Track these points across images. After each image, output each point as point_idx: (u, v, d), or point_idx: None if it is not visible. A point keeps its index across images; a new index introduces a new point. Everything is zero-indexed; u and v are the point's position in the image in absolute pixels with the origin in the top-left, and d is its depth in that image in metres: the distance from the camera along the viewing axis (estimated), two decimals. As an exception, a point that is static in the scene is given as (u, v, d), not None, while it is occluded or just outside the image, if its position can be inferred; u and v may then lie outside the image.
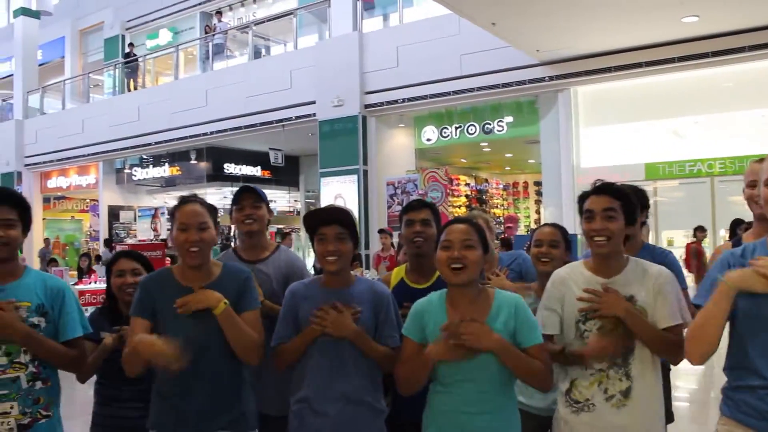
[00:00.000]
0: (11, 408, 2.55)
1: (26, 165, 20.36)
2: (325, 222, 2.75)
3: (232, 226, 17.86)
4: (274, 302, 3.05)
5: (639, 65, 9.96)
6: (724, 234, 9.22)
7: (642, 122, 10.55)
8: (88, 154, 18.52)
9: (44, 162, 19.94)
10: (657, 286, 2.54)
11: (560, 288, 2.67)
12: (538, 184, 15.94)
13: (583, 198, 2.69)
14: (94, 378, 3.30)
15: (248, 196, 3.35)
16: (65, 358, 2.65)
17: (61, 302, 2.67)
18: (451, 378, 2.49)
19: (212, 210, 2.79)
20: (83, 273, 13.30)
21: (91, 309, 6.30)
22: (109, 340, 3.07)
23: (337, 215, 2.78)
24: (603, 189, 2.63)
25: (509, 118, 12.11)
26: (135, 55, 19.52)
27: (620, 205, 2.59)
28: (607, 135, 10.92)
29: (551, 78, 10.83)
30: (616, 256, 2.62)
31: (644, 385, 2.55)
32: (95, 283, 10.67)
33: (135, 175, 18.57)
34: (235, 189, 3.50)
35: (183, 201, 2.75)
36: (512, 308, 2.49)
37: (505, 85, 11.23)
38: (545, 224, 3.47)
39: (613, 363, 2.54)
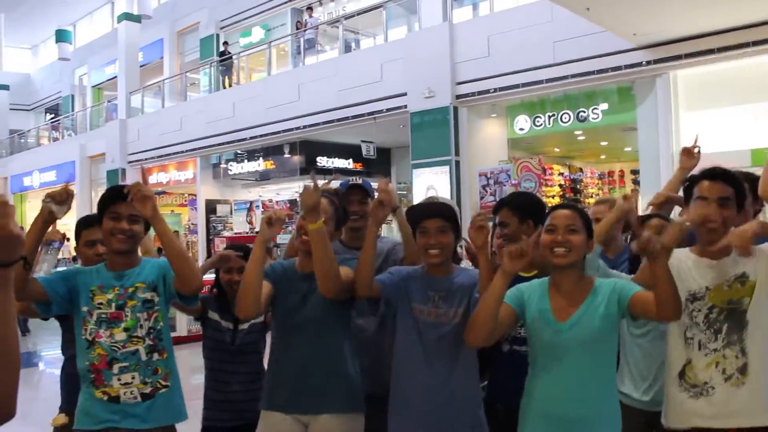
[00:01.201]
0: (133, 378, 2.78)
1: (129, 162, 21.24)
2: (427, 215, 2.79)
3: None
4: None
5: (745, 45, 9.47)
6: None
7: (747, 105, 10.06)
8: (186, 150, 19.16)
9: (145, 159, 20.76)
10: (765, 250, 2.50)
11: (672, 261, 2.55)
12: (635, 172, 15.43)
13: (693, 181, 2.62)
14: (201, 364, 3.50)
15: (356, 192, 3.44)
16: (193, 269, 2.82)
17: (165, 271, 2.86)
18: (550, 362, 2.47)
19: (342, 217, 3.08)
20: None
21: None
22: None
23: (439, 208, 2.82)
24: (718, 175, 2.57)
25: (604, 106, 11.78)
26: (229, 53, 20.05)
27: (733, 193, 2.54)
28: (710, 120, 10.46)
29: (649, 62, 10.47)
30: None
31: (761, 359, 2.49)
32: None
33: (230, 170, 19.06)
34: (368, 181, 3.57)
35: (325, 195, 3.03)
36: (610, 288, 2.48)
37: (600, 71, 10.93)
38: (598, 201, 3.45)
39: (729, 342, 2.49)
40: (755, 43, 9.40)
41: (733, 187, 2.56)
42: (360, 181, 3.53)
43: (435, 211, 2.82)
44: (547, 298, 2.54)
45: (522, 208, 3.15)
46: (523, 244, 2.39)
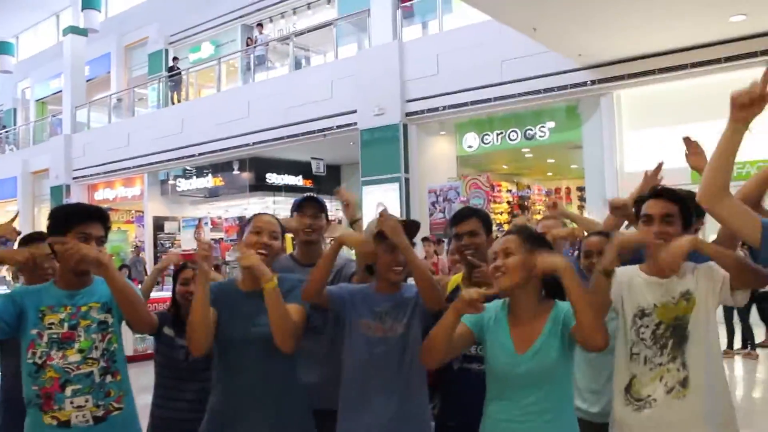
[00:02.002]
0: (86, 401, 2.69)
1: (74, 178, 20.80)
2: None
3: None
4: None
5: (684, 67, 9.78)
6: None
7: (688, 125, 10.32)
8: (134, 167, 18.85)
9: (91, 175, 20.37)
10: (705, 269, 2.59)
11: (623, 278, 2.70)
12: (581, 189, 15.76)
13: (640, 202, 2.70)
14: (152, 382, 3.43)
15: (310, 205, 3.41)
16: (143, 311, 2.81)
17: None
18: (508, 390, 2.48)
19: (284, 230, 2.99)
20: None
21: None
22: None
23: (406, 226, 2.83)
24: (661, 194, 2.65)
25: (551, 124, 12.00)
26: (178, 68, 19.85)
27: (678, 210, 2.62)
28: (652, 138, 10.71)
29: (593, 82, 10.71)
30: None
31: (701, 374, 2.54)
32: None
33: (179, 187, 18.85)
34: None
35: (263, 214, 2.98)
36: (562, 315, 2.48)
37: (546, 90, 11.14)
38: (591, 234, 3.43)
39: (673, 357, 2.55)
40: (693, 65, 9.71)
41: (676, 205, 2.63)
42: (314, 195, 3.52)
43: (405, 228, 2.83)
44: (506, 324, 2.54)
45: (489, 222, 3.19)
46: (474, 293, 2.38)
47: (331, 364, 3.09)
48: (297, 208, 3.40)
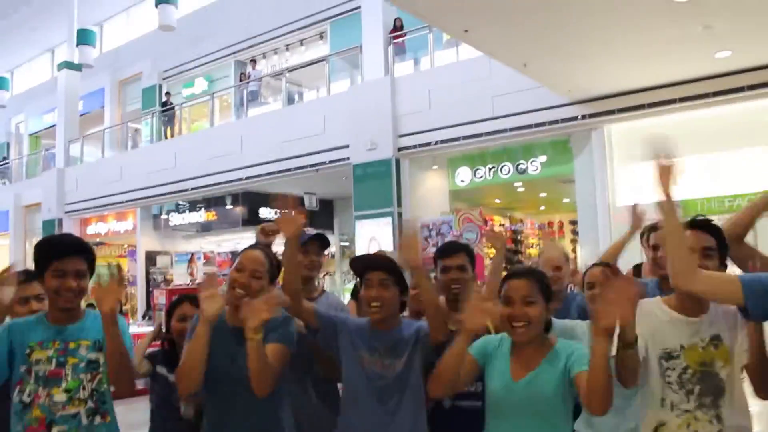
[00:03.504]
0: None
1: (67, 212, 20.75)
2: (370, 267, 2.79)
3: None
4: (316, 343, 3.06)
5: (673, 101, 9.89)
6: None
7: (678, 159, 10.41)
8: (126, 201, 18.82)
9: (84, 209, 20.32)
10: (736, 324, 2.44)
11: (647, 317, 2.53)
12: (573, 223, 15.78)
13: (651, 230, 2.62)
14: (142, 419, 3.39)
15: (315, 243, 3.45)
16: (128, 363, 2.71)
17: None
18: (502, 420, 2.46)
19: (275, 268, 2.91)
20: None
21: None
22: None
23: (380, 261, 2.81)
24: (703, 225, 2.55)
25: (543, 158, 12.06)
26: (171, 103, 19.94)
27: (716, 244, 2.52)
28: (642, 172, 10.78)
29: (584, 117, 10.80)
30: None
31: (734, 426, 2.44)
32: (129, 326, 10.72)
33: (171, 221, 18.79)
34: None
35: (255, 246, 2.95)
36: (566, 356, 2.47)
37: (537, 125, 11.22)
38: (593, 265, 3.44)
39: (701, 404, 2.42)
40: (681, 100, 9.82)
41: (715, 237, 2.54)
42: (320, 233, 3.54)
43: (376, 263, 2.81)
44: (508, 355, 2.55)
45: (474, 258, 3.21)
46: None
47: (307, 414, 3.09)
48: (303, 245, 3.37)
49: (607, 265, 3.33)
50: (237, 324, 2.74)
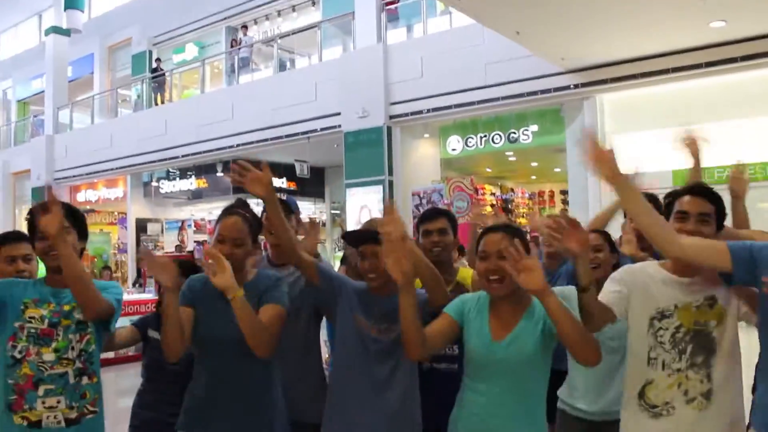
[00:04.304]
0: (58, 402, 2.65)
1: (56, 179, 20.64)
2: (365, 240, 2.81)
3: (258, 236, 18.01)
4: (297, 305, 3.06)
5: (666, 71, 9.87)
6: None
7: (669, 129, 10.40)
8: (116, 168, 18.76)
9: (74, 176, 20.24)
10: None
11: (640, 276, 2.58)
12: (564, 192, 15.83)
13: (674, 196, 2.61)
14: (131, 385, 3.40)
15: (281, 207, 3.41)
16: (95, 294, 2.69)
17: (104, 289, 2.79)
18: (482, 379, 2.48)
19: (256, 229, 2.90)
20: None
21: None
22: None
23: (375, 233, 2.83)
24: (698, 191, 2.56)
25: (534, 127, 12.05)
26: (162, 69, 19.77)
27: (714, 210, 2.54)
28: (634, 142, 10.80)
29: (576, 86, 10.78)
30: None
31: (727, 388, 2.47)
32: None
33: (162, 188, 18.75)
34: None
35: (228, 213, 2.86)
36: (545, 312, 2.46)
37: (530, 93, 11.19)
38: (590, 231, 3.44)
39: (693, 363, 2.46)
40: (674, 70, 9.80)
41: (713, 204, 2.55)
42: (284, 197, 3.53)
43: (367, 236, 2.84)
44: (486, 314, 2.55)
45: (456, 224, 3.24)
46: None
47: (300, 379, 3.11)
48: (264, 210, 3.41)
49: (603, 232, 3.36)
50: None
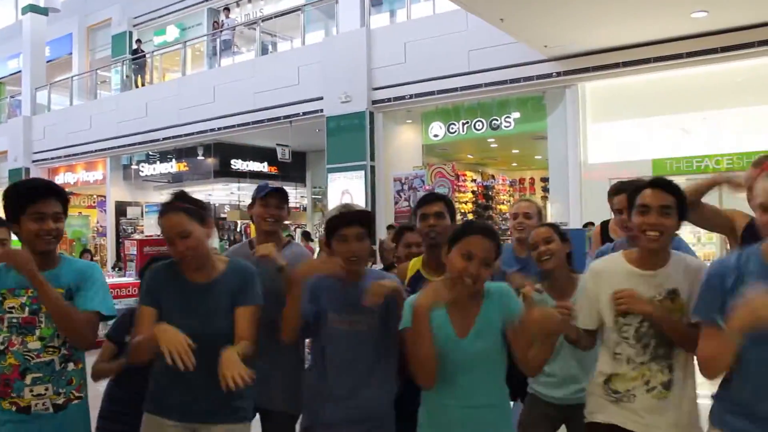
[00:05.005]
0: (46, 390, 2.62)
1: (34, 161, 20.44)
2: (347, 223, 2.80)
3: (238, 222, 17.98)
4: (275, 290, 3.08)
5: (647, 61, 9.94)
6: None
7: (650, 118, 10.53)
8: (96, 150, 18.59)
9: (52, 158, 20.04)
10: (698, 280, 2.48)
11: (596, 283, 2.65)
12: (544, 180, 15.91)
13: (636, 191, 2.63)
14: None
15: (275, 196, 3.44)
16: (73, 318, 2.62)
17: (86, 280, 2.73)
18: (448, 373, 2.51)
19: (196, 210, 2.79)
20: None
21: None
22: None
23: (357, 216, 2.85)
24: (660, 184, 2.59)
25: (516, 114, 12.09)
26: (142, 51, 19.57)
27: (675, 202, 2.56)
28: (615, 131, 10.89)
29: (559, 74, 10.83)
30: (662, 252, 2.59)
31: (685, 379, 2.55)
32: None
33: (142, 171, 18.62)
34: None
35: (160, 214, 2.77)
36: (499, 300, 2.55)
37: (512, 80, 11.22)
38: (541, 225, 3.50)
39: (655, 356, 2.53)
40: (656, 59, 9.88)
41: (675, 196, 2.57)
42: (279, 187, 3.54)
43: (353, 218, 2.85)
44: (444, 311, 2.54)
45: (453, 210, 3.29)
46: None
47: (280, 368, 3.14)
48: (262, 198, 3.42)
49: (553, 224, 3.39)
50: (200, 281, 2.76)
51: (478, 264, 2.46)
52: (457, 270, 2.48)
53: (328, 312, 2.83)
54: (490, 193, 16.71)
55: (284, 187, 3.59)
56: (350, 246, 2.78)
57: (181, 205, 2.78)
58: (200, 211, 2.82)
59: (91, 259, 14.32)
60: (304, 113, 13.73)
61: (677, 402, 2.53)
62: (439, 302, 2.43)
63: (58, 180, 20.36)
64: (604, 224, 4.87)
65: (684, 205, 2.60)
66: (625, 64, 10.14)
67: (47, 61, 22.01)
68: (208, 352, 2.54)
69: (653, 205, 2.53)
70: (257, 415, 3.24)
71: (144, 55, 19.35)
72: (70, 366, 2.69)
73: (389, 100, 12.61)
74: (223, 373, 2.41)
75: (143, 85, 18.71)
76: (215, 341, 2.58)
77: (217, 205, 18.65)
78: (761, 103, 9.81)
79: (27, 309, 2.63)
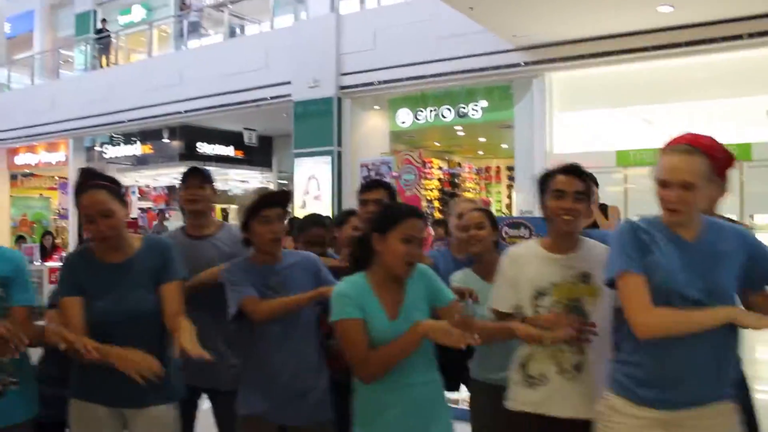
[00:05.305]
0: None
1: (-7, 140, 20.03)
2: (268, 204, 2.86)
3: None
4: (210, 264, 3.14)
5: (614, 53, 10.05)
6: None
7: (614, 109, 10.67)
8: (58, 131, 18.24)
9: (12, 138, 19.60)
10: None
11: (514, 267, 2.75)
12: (510, 169, 16.03)
13: (547, 176, 2.73)
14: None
15: (196, 177, 3.51)
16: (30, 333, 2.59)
17: (18, 270, 2.68)
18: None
19: (117, 189, 2.74)
20: (47, 251, 13.09)
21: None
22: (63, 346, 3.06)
23: (276, 197, 2.94)
24: (573, 170, 2.70)
25: (484, 103, 12.16)
26: (107, 31, 19.22)
27: (585, 188, 2.68)
28: (580, 121, 11.02)
29: (526, 63, 10.90)
30: (574, 235, 2.71)
31: (596, 361, 2.63)
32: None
33: (105, 153, 18.36)
34: (208, 168, 3.60)
35: (80, 191, 2.67)
36: (422, 276, 2.62)
37: (480, 69, 11.27)
38: (473, 210, 3.57)
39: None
40: (621, 52, 9.99)
41: (585, 182, 2.69)
42: (199, 167, 3.62)
43: (275, 199, 2.92)
44: (372, 293, 2.56)
45: (394, 194, 3.34)
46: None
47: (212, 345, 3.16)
48: (183, 181, 3.51)
49: (487, 211, 3.44)
50: (115, 260, 2.71)
51: (418, 246, 2.51)
52: (401, 255, 2.50)
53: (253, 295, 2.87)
54: (456, 180, 16.77)
55: (235, 168, 3.64)
56: (273, 226, 2.84)
57: (103, 182, 2.69)
58: (119, 190, 2.75)
59: (53, 242, 14.11)
60: (272, 97, 13.64)
61: (588, 384, 2.62)
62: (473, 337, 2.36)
63: (18, 161, 20.02)
64: (603, 206, 4.96)
65: (591, 189, 2.73)
66: (592, 55, 10.24)
67: (7, 38, 21.53)
68: (130, 333, 2.54)
69: (568, 190, 2.64)
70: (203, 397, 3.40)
71: (109, 35, 19.01)
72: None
73: (357, 86, 12.59)
74: (184, 346, 2.44)
75: (108, 65, 18.40)
76: (137, 321, 2.59)
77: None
78: (721, 98, 10.00)
79: None
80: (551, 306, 2.64)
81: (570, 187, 2.65)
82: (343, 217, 4.01)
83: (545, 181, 2.74)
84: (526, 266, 2.71)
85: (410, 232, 2.50)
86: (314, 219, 3.75)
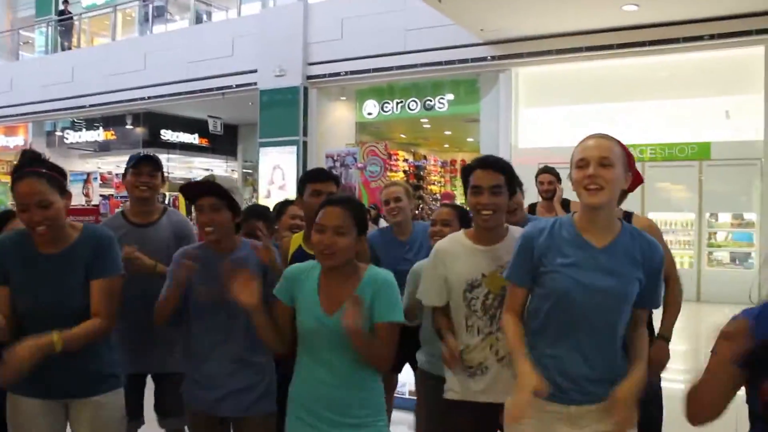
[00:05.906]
0: None
1: (-50, 123, 19.55)
2: (202, 193, 2.83)
3: (167, 194, 17.63)
4: (167, 263, 3.04)
5: (579, 50, 10.17)
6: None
7: (579, 106, 10.78)
8: (17, 115, 17.88)
9: (-31, 120, 19.19)
10: None
11: (448, 253, 2.75)
12: (475, 162, 16.15)
13: (467, 171, 2.71)
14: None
15: (148, 164, 3.46)
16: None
17: None
18: (313, 349, 2.50)
19: (58, 178, 2.62)
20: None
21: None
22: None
23: (211, 187, 2.85)
24: (489, 164, 2.67)
25: (450, 96, 12.22)
26: (69, 12, 18.86)
27: (504, 180, 2.66)
28: (546, 117, 11.13)
29: (493, 58, 10.97)
30: (498, 228, 2.71)
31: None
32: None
33: (67, 138, 18.05)
34: (171, 156, 3.56)
35: (18, 176, 2.54)
36: (377, 284, 2.50)
37: (447, 62, 11.31)
38: (443, 205, 3.58)
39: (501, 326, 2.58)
40: (587, 49, 10.11)
41: (503, 175, 2.66)
42: (151, 154, 3.56)
43: (208, 189, 2.85)
44: (316, 285, 2.53)
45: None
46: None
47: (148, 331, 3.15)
48: (132, 166, 3.45)
49: (459, 208, 3.45)
50: (51, 251, 2.59)
51: (329, 235, 2.46)
52: (314, 244, 2.49)
53: (198, 284, 2.81)
54: (421, 173, 16.83)
55: (199, 156, 3.59)
56: (204, 216, 2.81)
57: (43, 170, 2.56)
58: (61, 180, 2.64)
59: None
60: (238, 85, 13.53)
61: None
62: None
63: (-24, 144, 19.55)
64: (532, 207, 5.01)
65: (512, 182, 2.71)
66: (558, 51, 10.35)
67: (-36, 17, 21.01)
68: (61, 325, 2.44)
69: (484, 185, 2.63)
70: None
71: (71, 17, 18.65)
72: None
73: (324, 76, 12.55)
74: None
75: (70, 48, 18.06)
76: (71, 315, 2.51)
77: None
78: (683, 97, 10.18)
79: None
80: (483, 298, 2.67)
81: (487, 182, 2.63)
82: (281, 206, 3.98)
83: (466, 176, 2.72)
84: (455, 260, 2.71)
85: (321, 221, 2.47)
86: (251, 210, 3.70)
